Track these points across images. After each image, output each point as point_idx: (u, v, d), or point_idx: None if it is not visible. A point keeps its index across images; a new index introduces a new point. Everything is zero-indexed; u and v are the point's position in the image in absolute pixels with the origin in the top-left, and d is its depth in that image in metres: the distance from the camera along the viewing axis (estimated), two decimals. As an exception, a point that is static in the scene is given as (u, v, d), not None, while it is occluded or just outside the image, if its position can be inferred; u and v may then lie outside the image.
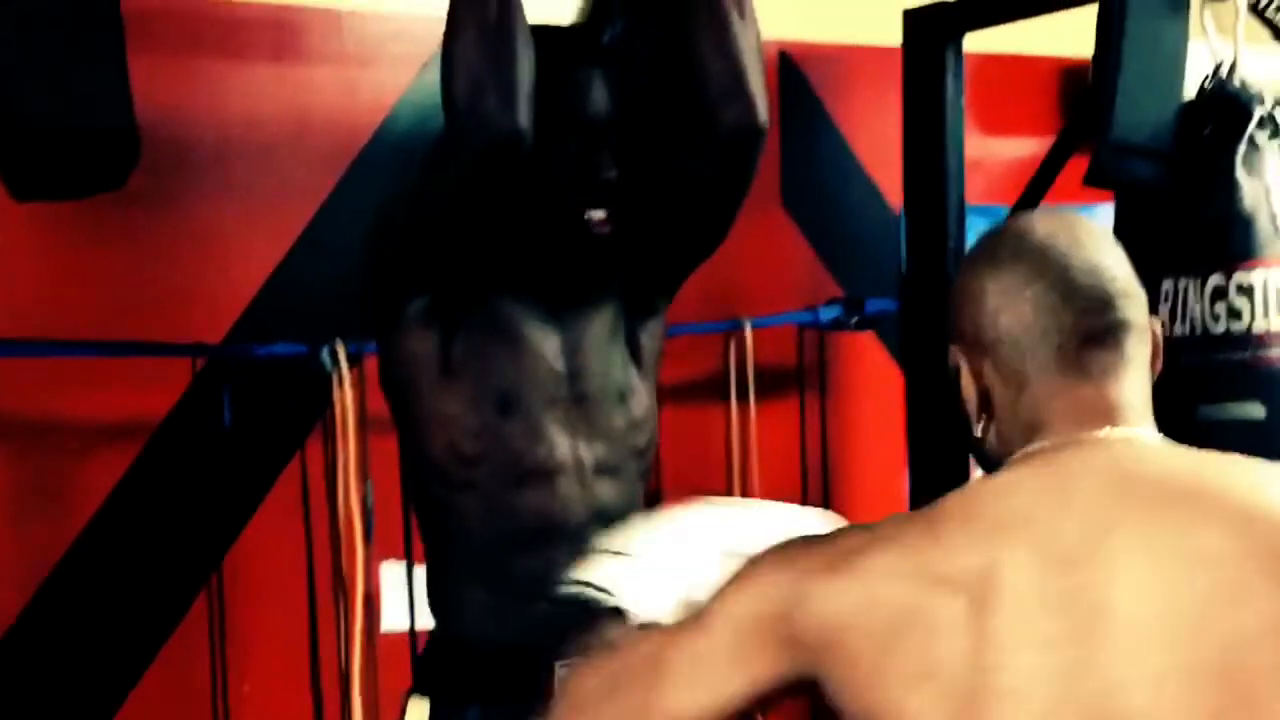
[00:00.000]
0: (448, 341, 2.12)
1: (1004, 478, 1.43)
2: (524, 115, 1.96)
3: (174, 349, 2.82)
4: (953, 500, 1.41)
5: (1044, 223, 1.48)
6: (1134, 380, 1.45)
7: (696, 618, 1.43)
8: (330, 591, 2.87)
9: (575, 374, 2.17)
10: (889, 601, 1.33)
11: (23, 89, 1.89)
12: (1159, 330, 1.49)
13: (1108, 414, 1.43)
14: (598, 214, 2.12)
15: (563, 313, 2.18)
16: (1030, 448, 1.43)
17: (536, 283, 2.17)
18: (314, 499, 2.90)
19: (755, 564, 1.44)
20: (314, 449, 2.92)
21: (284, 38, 3.02)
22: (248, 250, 2.99)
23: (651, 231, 2.22)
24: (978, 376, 1.47)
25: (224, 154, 2.97)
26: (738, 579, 1.43)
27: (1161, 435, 1.47)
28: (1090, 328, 1.42)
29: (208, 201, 2.95)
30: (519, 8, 2.00)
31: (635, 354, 2.25)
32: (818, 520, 1.75)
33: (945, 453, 3.21)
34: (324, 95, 3.05)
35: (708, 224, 2.23)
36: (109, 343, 2.80)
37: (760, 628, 1.38)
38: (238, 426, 2.80)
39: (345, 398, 2.79)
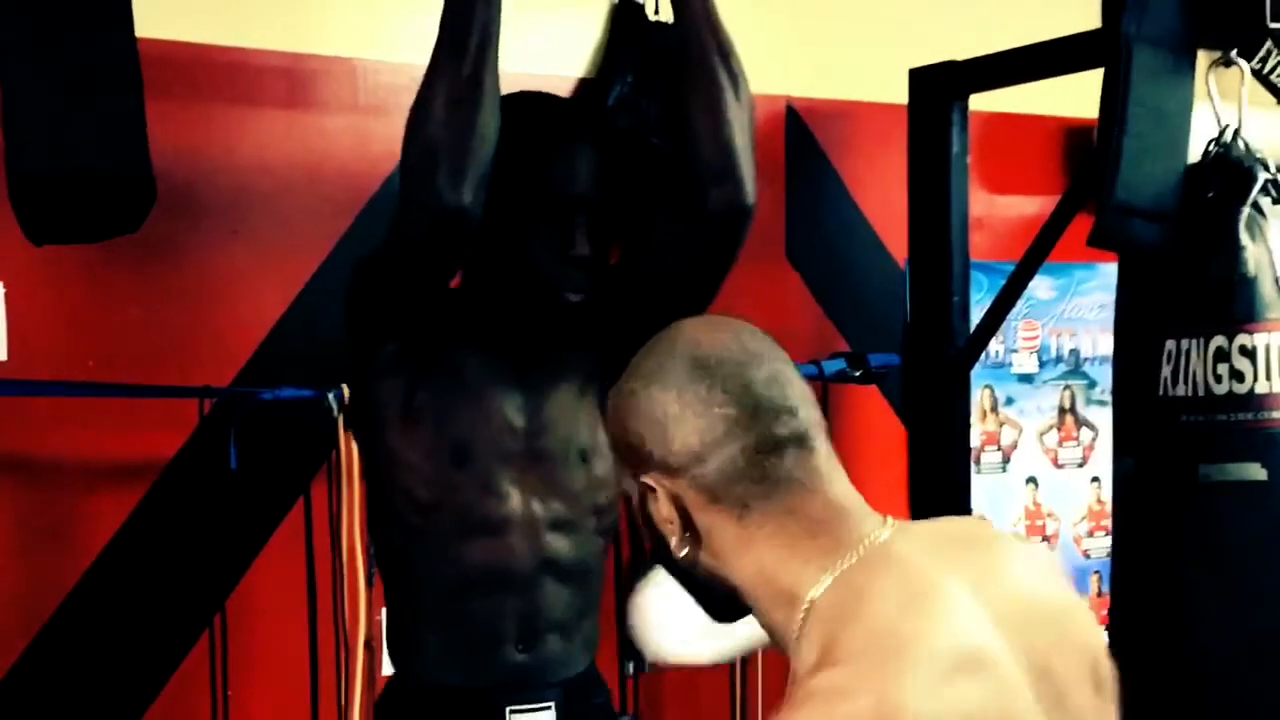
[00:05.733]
0: (412, 389, 2.14)
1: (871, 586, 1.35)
2: (470, 194, 1.95)
3: (182, 391, 2.83)
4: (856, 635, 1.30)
5: (708, 335, 1.45)
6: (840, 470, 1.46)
7: None
8: (332, 634, 2.87)
9: (535, 431, 2.19)
10: None
11: (41, 134, 1.90)
12: None
13: (860, 511, 1.44)
14: (574, 297, 2.14)
15: (528, 372, 2.20)
16: (843, 563, 1.37)
17: (504, 341, 2.18)
18: (318, 542, 2.91)
19: None
20: (319, 493, 2.92)
21: (298, 86, 3.04)
22: (257, 295, 3.00)
23: (631, 302, 2.22)
24: (674, 498, 1.42)
25: (236, 200, 2.99)
26: None
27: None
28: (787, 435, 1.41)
29: (218, 246, 2.97)
30: (492, 75, 1.98)
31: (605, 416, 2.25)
32: None
33: (947, 506, 3.22)
34: (336, 143, 3.07)
35: (687, 298, 2.20)
36: (118, 385, 2.81)
37: None
38: (244, 469, 2.80)
39: (350, 442, 2.79)
